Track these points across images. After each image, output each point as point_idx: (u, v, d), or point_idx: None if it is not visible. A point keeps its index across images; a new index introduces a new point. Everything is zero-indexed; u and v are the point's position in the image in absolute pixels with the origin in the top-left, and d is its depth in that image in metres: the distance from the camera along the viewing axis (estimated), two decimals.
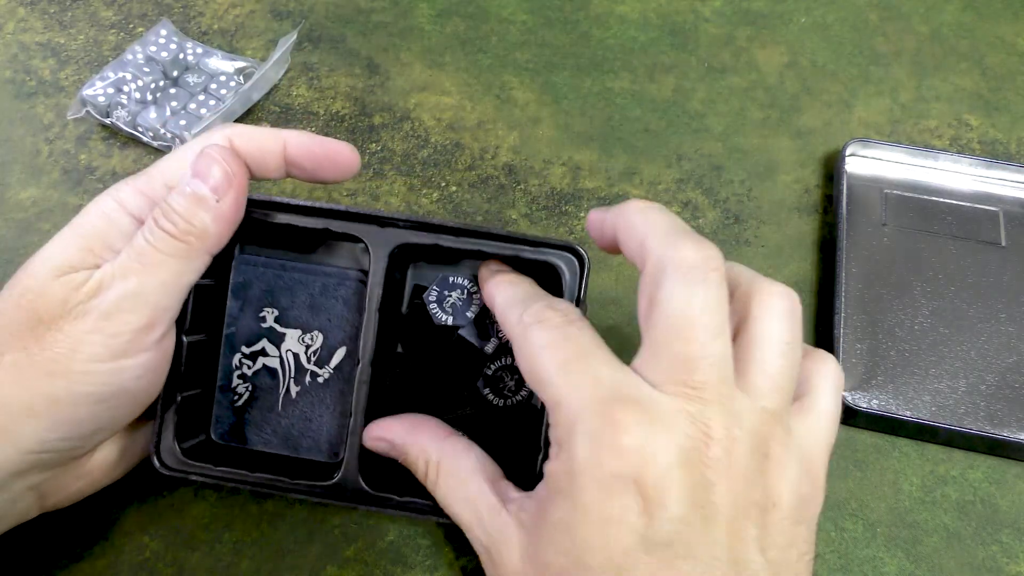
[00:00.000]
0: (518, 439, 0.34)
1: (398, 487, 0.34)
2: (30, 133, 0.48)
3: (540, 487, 0.28)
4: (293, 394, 0.36)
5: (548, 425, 0.28)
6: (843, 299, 0.42)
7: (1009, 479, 0.39)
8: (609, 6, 0.56)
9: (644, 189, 0.48)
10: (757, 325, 0.28)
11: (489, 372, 0.35)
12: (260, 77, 0.48)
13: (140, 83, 0.48)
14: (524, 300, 0.30)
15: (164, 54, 0.49)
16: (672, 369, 0.26)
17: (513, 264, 0.35)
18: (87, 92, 0.47)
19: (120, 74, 0.48)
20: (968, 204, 0.47)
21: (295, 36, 0.50)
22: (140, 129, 0.47)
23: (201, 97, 0.48)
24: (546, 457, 0.28)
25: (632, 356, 0.28)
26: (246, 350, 0.36)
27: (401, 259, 0.36)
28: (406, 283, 0.37)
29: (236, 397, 0.36)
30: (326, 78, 0.51)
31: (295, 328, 0.37)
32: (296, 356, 0.37)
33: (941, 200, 0.47)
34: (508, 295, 0.32)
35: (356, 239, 0.35)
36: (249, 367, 0.36)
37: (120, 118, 0.47)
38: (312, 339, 0.37)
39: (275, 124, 0.49)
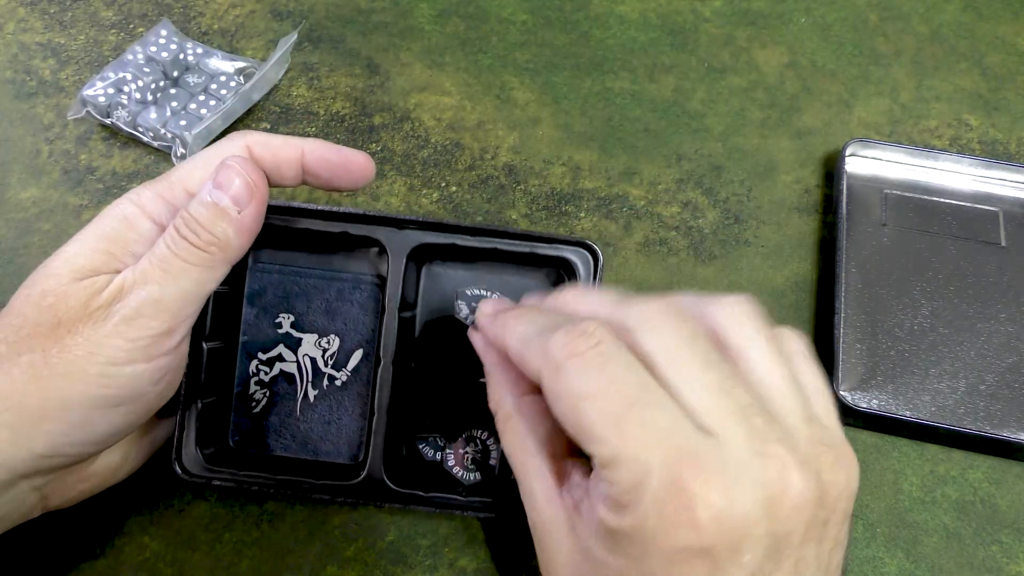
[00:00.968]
0: None
1: (423, 484, 0.34)
2: (30, 133, 0.48)
3: (598, 516, 0.26)
4: (311, 398, 0.37)
5: (596, 477, 0.26)
6: (843, 299, 0.42)
7: (1009, 479, 0.39)
8: (609, 6, 0.56)
9: (644, 189, 0.48)
10: (745, 354, 0.27)
11: None
12: (260, 77, 0.48)
13: (140, 83, 0.48)
14: (542, 332, 0.27)
15: (164, 54, 0.49)
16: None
17: (529, 259, 0.35)
18: (87, 92, 0.47)
19: (120, 74, 0.48)
20: (968, 204, 0.47)
21: (295, 36, 0.50)
22: (140, 129, 0.47)
23: (201, 97, 0.48)
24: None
25: None
26: (263, 356, 0.37)
27: (418, 260, 0.36)
28: (420, 283, 0.37)
29: (254, 403, 0.37)
30: (326, 78, 0.51)
31: (311, 332, 0.37)
32: (313, 360, 0.37)
33: (941, 200, 0.47)
34: (521, 332, 0.29)
35: (374, 242, 0.36)
36: (266, 373, 0.37)
37: (120, 118, 0.47)
38: (329, 343, 0.37)
39: (275, 124, 0.49)
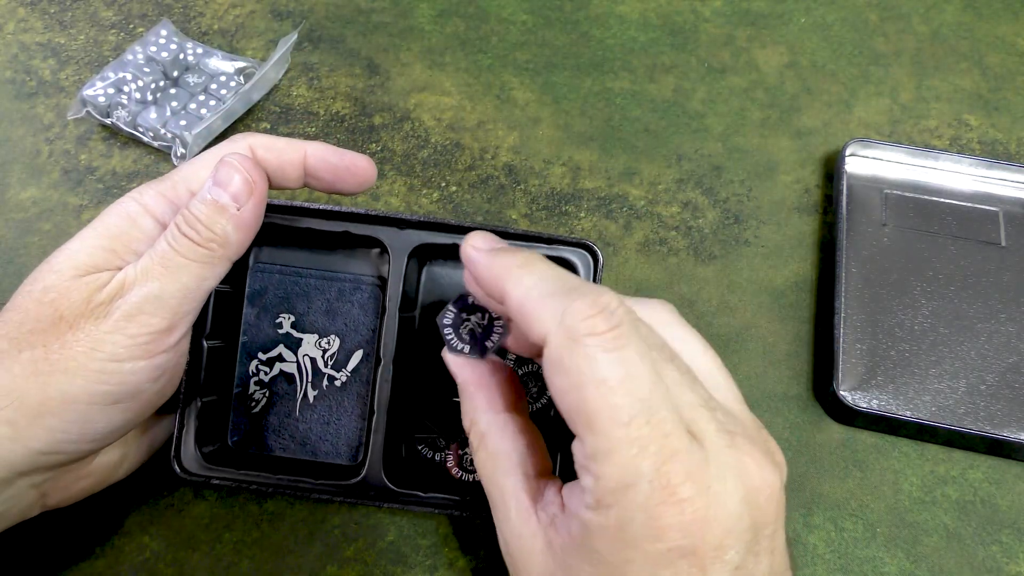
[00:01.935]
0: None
1: (422, 484, 0.34)
2: (30, 133, 0.48)
3: (577, 522, 0.25)
4: (311, 398, 0.37)
5: (580, 464, 0.25)
6: (843, 299, 0.42)
7: (1009, 479, 0.39)
8: (609, 6, 0.56)
9: (644, 189, 0.48)
10: (681, 349, 0.28)
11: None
12: (260, 77, 0.48)
13: (140, 83, 0.48)
14: (555, 292, 0.25)
15: (164, 54, 0.49)
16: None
17: None
18: (87, 92, 0.47)
19: (120, 74, 0.48)
20: (968, 204, 0.47)
21: (295, 36, 0.50)
22: (140, 129, 0.47)
23: (201, 97, 0.48)
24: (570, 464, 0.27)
25: None
26: (263, 356, 0.37)
27: (419, 259, 0.37)
28: (421, 283, 0.37)
29: (253, 403, 0.37)
30: (326, 78, 0.51)
31: (312, 333, 0.37)
32: (313, 360, 0.37)
33: (941, 200, 0.47)
34: (529, 285, 0.26)
35: (375, 242, 0.36)
36: (266, 373, 0.37)
37: (120, 118, 0.47)
38: (329, 343, 0.37)
39: (275, 124, 0.49)
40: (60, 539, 0.36)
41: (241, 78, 0.50)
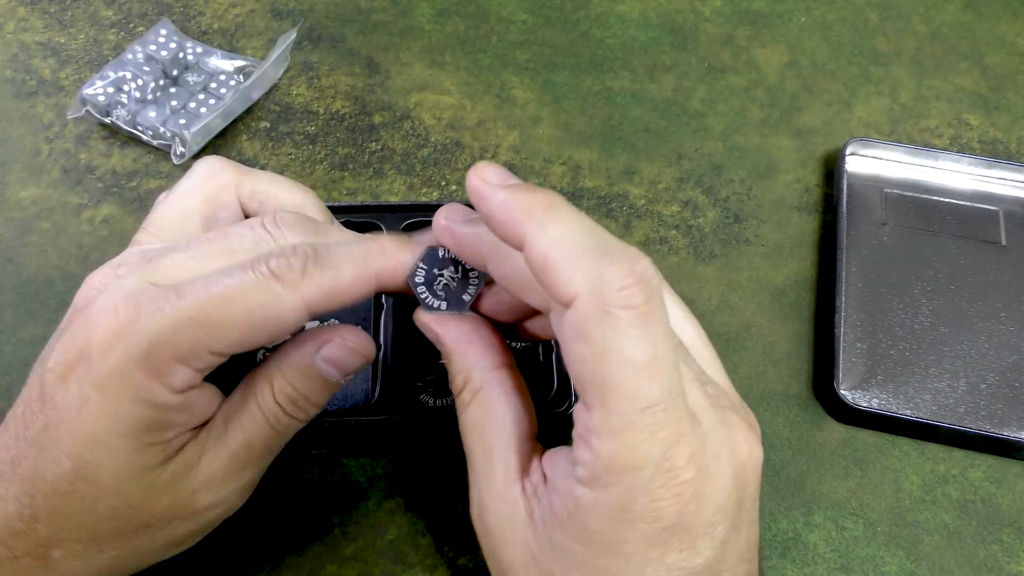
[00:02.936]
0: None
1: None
2: (30, 132, 0.48)
3: (565, 497, 0.24)
4: None
5: (580, 435, 0.24)
6: (843, 298, 0.42)
7: (1010, 478, 0.39)
8: (609, 6, 0.56)
9: (644, 188, 0.48)
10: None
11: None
12: (260, 76, 0.48)
13: (140, 82, 0.48)
14: (590, 252, 0.23)
15: (164, 53, 0.49)
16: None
17: None
18: (87, 91, 0.47)
19: (120, 73, 0.48)
20: (968, 204, 0.47)
21: (294, 35, 0.50)
22: (140, 128, 0.47)
23: (201, 96, 0.48)
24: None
25: None
26: (268, 344, 0.38)
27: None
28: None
29: None
30: (326, 77, 0.51)
31: (312, 321, 0.38)
32: None
33: (941, 200, 0.47)
34: (558, 236, 0.23)
35: (374, 227, 0.39)
36: None
37: (120, 117, 0.47)
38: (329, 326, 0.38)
39: (275, 123, 0.49)
40: None
41: (241, 77, 0.50)
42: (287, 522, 0.36)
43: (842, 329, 0.41)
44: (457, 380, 0.28)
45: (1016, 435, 0.39)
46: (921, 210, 0.46)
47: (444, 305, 0.28)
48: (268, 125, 0.49)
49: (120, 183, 0.46)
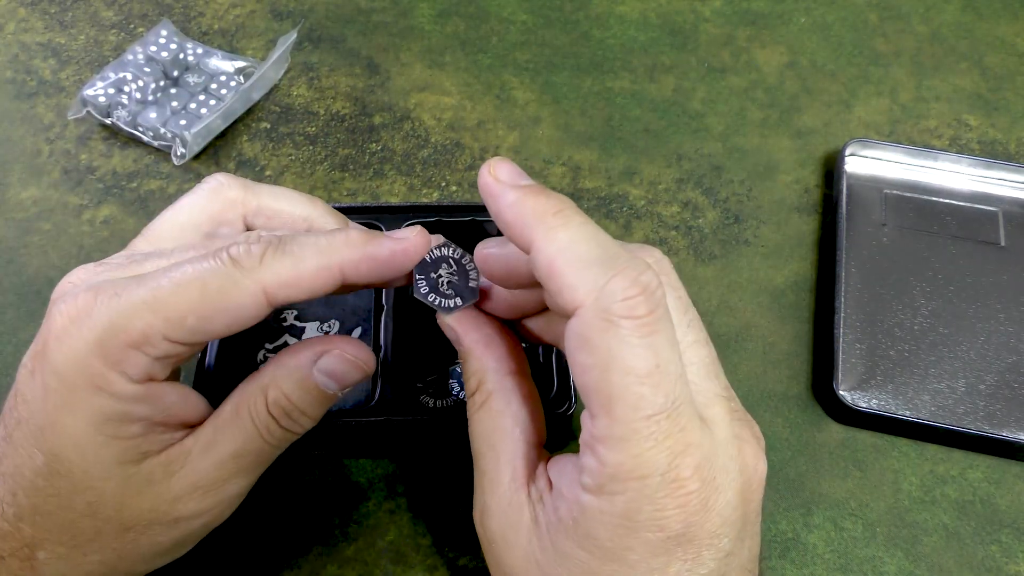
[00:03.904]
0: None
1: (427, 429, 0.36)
2: (30, 133, 0.48)
3: (571, 504, 0.24)
4: None
5: (586, 442, 0.24)
6: (843, 299, 0.42)
7: (1008, 479, 0.39)
8: (609, 6, 0.56)
9: (644, 189, 0.48)
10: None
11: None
12: (260, 76, 0.48)
13: (140, 83, 0.48)
14: (596, 263, 0.23)
15: (164, 54, 0.49)
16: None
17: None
18: (87, 92, 0.47)
19: (120, 74, 0.48)
20: (968, 204, 0.47)
21: (295, 35, 0.50)
22: (140, 129, 0.47)
23: (201, 97, 0.48)
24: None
25: None
26: (269, 346, 0.39)
27: None
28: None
29: None
30: (326, 78, 0.51)
31: (313, 321, 0.39)
32: None
33: (941, 200, 0.47)
34: (566, 243, 0.23)
35: (374, 227, 0.39)
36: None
37: (120, 118, 0.47)
38: (330, 327, 0.39)
39: (275, 123, 0.49)
40: None
41: (241, 78, 0.50)
42: (287, 523, 0.36)
43: (841, 330, 0.41)
44: (471, 382, 0.28)
45: (1015, 436, 0.39)
46: (920, 211, 0.46)
47: (459, 301, 0.29)
48: (268, 126, 0.49)
49: (121, 184, 0.46)
